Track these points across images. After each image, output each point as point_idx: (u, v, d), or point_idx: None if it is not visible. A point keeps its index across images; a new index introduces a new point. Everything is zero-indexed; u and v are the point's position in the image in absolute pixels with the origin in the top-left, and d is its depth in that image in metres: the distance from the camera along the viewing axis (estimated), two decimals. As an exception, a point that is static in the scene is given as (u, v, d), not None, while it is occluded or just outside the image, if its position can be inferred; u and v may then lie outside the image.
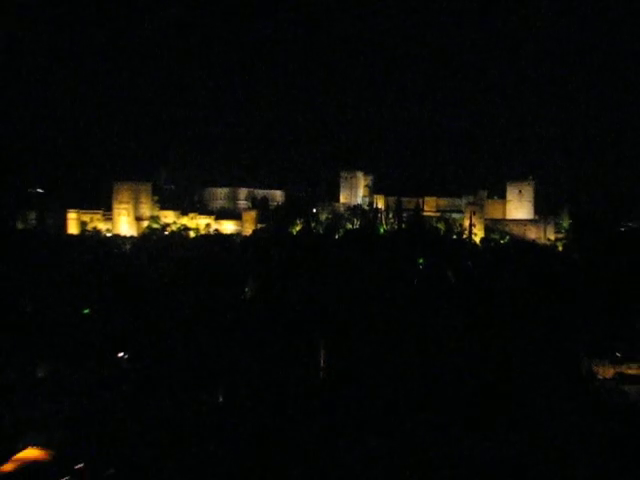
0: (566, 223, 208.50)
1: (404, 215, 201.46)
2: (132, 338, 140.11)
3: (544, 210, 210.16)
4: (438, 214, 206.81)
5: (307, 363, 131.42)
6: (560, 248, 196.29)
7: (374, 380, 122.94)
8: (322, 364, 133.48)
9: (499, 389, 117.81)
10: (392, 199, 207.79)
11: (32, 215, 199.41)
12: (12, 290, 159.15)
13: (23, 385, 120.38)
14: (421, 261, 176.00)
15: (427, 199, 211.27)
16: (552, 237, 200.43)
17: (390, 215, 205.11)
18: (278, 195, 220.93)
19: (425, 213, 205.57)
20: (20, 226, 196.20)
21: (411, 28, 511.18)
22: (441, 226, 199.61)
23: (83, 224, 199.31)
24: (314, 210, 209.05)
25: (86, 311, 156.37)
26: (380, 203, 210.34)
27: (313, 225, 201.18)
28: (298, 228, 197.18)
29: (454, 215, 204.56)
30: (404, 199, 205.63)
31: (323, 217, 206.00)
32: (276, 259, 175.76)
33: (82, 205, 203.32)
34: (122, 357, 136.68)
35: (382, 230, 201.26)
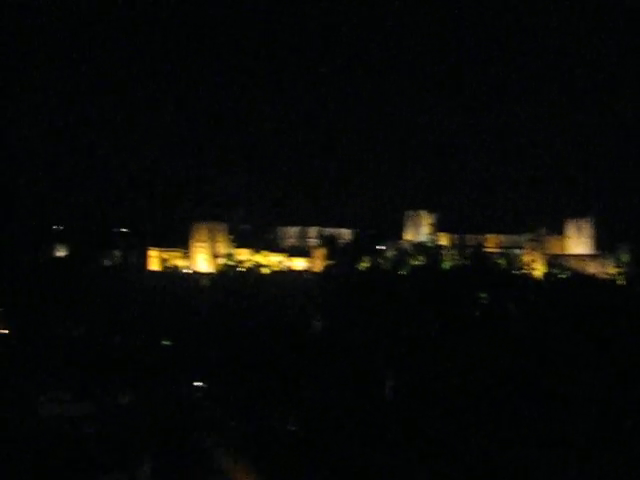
0: (625, 258, 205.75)
1: (467, 252, 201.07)
2: (210, 368, 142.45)
3: (603, 245, 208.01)
4: (499, 250, 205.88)
5: (373, 393, 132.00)
6: (620, 282, 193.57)
7: (439, 411, 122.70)
8: (389, 395, 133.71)
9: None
10: (455, 237, 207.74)
11: (117, 253, 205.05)
12: (100, 324, 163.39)
13: (107, 413, 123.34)
14: (484, 295, 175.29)
15: (488, 236, 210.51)
16: (611, 271, 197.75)
17: (453, 252, 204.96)
18: (346, 233, 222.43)
19: (487, 250, 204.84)
20: (106, 263, 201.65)
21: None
22: (502, 262, 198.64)
23: (163, 261, 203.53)
24: (380, 247, 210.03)
25: (166, 342, 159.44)
26: (443, 241, 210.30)
27: (379, 262, 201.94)
28: (365, 265, 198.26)
29: (515, 251, 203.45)
30: (466, 236, 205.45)
31: (389, 254, 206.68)
32: (345, 294, 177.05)
33: (162, 244, 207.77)
34: (199, 387, 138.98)
35: (446, 266, 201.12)
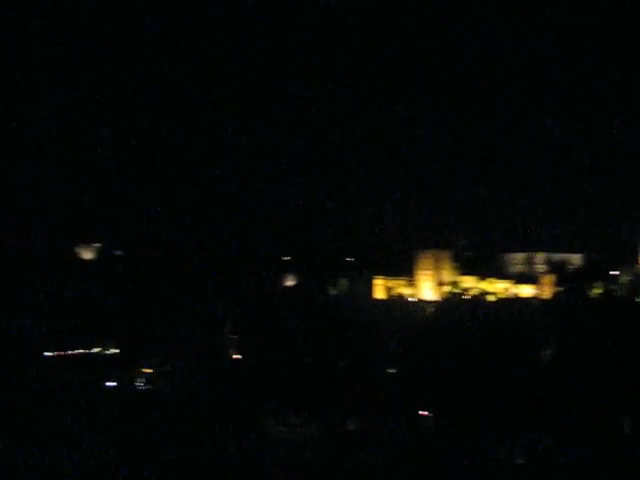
0: None
1: None
2: (435, 397, 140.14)
3: None
4: None
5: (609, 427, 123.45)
6: None
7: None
8: (627, 429, 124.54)
9: None
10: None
11: (344, 282, 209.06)
12: (327, 350, 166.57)
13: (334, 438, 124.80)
14: None
15: None
16: None
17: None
18: (575, 258, 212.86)
19: None
20: (333, 291, 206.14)
21: None
22: None
23: (389, 290, 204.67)
24: (614, 273, 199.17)
25: (392, 370, 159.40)
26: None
27: (613, 288, 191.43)
28: (597, 291, 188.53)
29: None
30: None
31: (624, 280, 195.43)
32: (577, 322, 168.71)
33: (388, 272, 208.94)
34: (426, 416, 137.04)
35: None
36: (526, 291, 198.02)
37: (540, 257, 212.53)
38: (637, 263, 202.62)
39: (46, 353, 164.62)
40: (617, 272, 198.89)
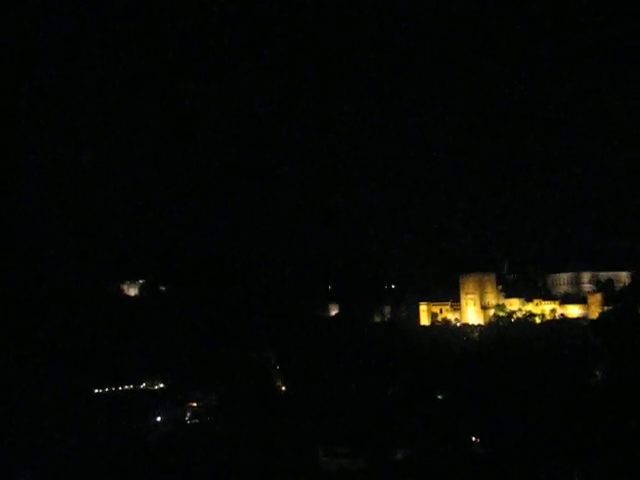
0: None
1: None
2: (484, 422, 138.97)
3: None
4: None
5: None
6: None
7: None
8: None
9: None
10: None
11: (387, 309, 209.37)
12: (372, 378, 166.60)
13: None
14: None
15: None
16: None
17: None
18: (623, 276, 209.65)
19: None
20: (377, 319, 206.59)
21: None
22: None
23: (434, 315, 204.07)
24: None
25: (440, 397, 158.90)
26: None
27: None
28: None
29: None
30: None
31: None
32: (627, 342, 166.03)
33: (432, 297, 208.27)
34: (475, 442, 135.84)
35: None
36: (573, 311, 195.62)
37: (586, 276, 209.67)
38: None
39: (96, 390, 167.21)
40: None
